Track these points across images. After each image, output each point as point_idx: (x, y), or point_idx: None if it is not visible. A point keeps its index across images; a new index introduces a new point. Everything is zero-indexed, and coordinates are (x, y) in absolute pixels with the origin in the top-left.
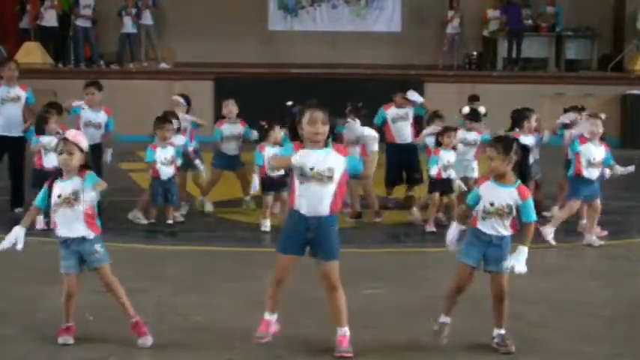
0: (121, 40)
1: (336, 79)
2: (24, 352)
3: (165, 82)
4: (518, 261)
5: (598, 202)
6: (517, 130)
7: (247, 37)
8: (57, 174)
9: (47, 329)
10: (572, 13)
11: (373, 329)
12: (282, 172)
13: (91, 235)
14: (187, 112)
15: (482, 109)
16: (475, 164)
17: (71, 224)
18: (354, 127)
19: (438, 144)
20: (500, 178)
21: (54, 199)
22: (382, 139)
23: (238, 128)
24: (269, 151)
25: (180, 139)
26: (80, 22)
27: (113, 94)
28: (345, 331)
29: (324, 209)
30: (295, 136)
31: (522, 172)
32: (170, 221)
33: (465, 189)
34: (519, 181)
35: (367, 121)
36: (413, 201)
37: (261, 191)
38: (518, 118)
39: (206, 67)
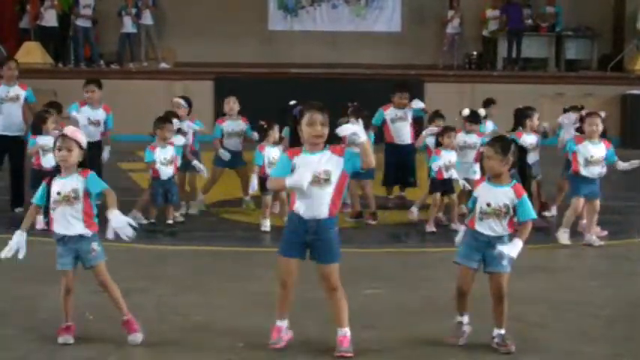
0: (121, 40)
1: (336, 79)
2: (24, 352)
3: (165, 82)
4: (509, 249)
5: (597, 202)
6: (520, 128)
7: (247, 37)
8: (55, 171)
9: (47, 329)
10: (572, 13)
11: (373, 329)
12: None
13: (88, 233)
14: (189, 114)
15: (482, 112)
16: (477, 167)
17: (69, 222)
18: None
19: (438, 144)
20: (495, 178)
21: (53, 196)
22: (381, 139)
23: (240, 125)
24: (269, 151)
25: (180, 139)
26: (80, 22)
27: (113, 94)
28: (345, 331)
29: (323, 211)
30: (296, 139)
31: (522, 172)
32: (170, 221)
33: (470, 188)
34: (515, 181)
35: (368, 122)
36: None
37: (260, 191)
38: (521, 116)
39: (206, 67)
